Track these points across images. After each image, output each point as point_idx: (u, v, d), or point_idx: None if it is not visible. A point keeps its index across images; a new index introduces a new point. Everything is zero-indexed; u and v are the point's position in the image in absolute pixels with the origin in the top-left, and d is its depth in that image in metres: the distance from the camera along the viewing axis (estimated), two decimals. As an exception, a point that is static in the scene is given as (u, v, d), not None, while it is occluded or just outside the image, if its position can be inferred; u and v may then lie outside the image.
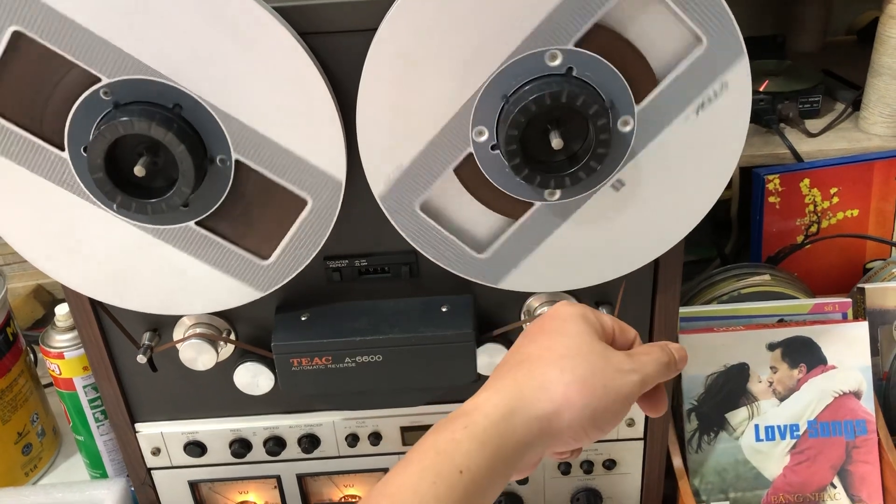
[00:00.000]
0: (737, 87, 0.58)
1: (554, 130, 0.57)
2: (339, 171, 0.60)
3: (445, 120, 0.58)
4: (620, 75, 0.57)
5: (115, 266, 0.64)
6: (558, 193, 0.61)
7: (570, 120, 0.58)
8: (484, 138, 0.59)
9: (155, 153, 0.59)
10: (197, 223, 0.62)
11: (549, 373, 0.50)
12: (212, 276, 0.64)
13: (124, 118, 0.56)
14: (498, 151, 0.59)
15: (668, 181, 0.62)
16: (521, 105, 0.55)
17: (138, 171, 0.57)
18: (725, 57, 0.57)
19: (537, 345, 0.52)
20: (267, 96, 0.57)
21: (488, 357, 0.70)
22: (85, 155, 0.58)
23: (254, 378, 0.70)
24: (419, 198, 0.62)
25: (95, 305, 0.70)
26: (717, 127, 0.59)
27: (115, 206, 0.59)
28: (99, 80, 0.57)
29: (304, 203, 0.62)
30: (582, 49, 0.56)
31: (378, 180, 0.61)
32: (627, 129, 0.59)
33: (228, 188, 0.60)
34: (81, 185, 0.60)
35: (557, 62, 0.56)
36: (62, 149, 0.59)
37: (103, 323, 0.71)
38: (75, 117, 0.58)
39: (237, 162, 0.59)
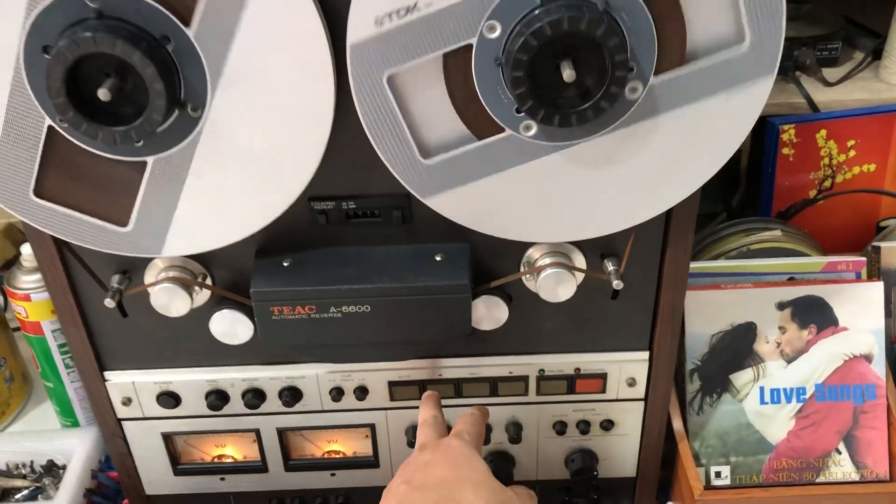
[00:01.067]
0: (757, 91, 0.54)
1: (566, 61, 0.52)
2: (326, 97, 0.54)
3: None
4: (656, 38, 0.52)
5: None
6: (534, 129, 0.55)
7: (582, 60, 0.52)
8: (494, 35, 0.52)
9: (124, 78, 0.53)
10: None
11: None
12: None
13: (104, 33, 0.49)
14: (500, 57, 0.52)
15: (684, 126, 0.56)
16: (553, 18, 0.49)
17: (103, 94, 0.51)
18: (757, 67, 0.53)
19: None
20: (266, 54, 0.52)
21: (485, 309, 0.66)
22: (46, 57, 0.51)
23: (231, 326, 0.65)
24: (392, 67, 0.53)
25: (60, 245, 0.64)
26: (730, 110, 0.55)
27: (58, 118, 0.53)
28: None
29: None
30: None
31: (359, 28, 0.52)
32: (634, 96, 0.54)
33: (190, 138, 0.55)
34: (28, 88, 0.54)
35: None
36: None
37: (69, 264, 0.66)
38: (45, 11, 0.51)
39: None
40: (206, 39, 0.52)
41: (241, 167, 0.57)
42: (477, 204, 0.59)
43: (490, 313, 0.66)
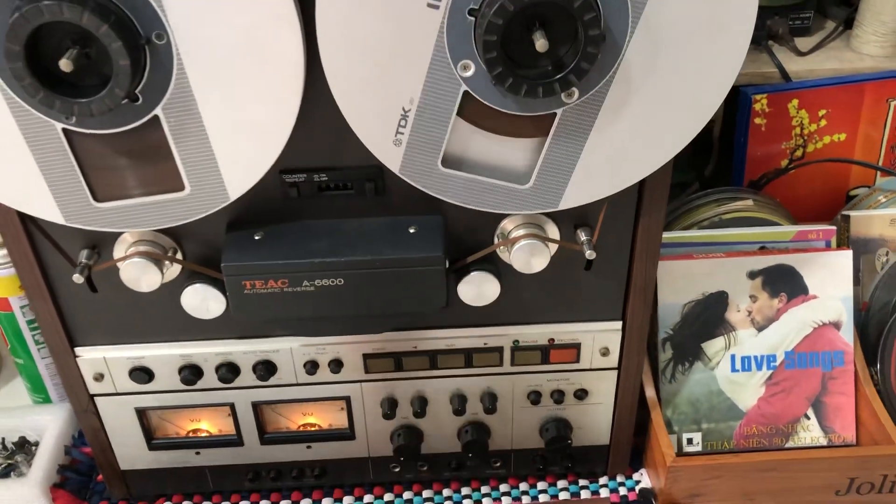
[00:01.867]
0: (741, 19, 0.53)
1: (537, 32, 0.51)
2: (296, 59, 0.53)
3: (425, 67, 0.53)
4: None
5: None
6: (576, 93, 0.55)
7: (553, 17, 0.52)
8: (471, 72, 0.54)
9: (84, 45, 0.51)
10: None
11: None
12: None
13: (30, 6, 0.48)
14: (488, 76, 0.53)
15: (658, 95, 0.56)
16: (487, 23, 0.49)
17: (64, 64, 0.49)
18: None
19: None
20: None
21: (476, 287, 0.66)
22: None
23: (203, 301, 0.65)
24: (437, 156, 0.58)
25: (25, 220, 0.63)
26: (714, 44, 0.54)
27: (59, 115, 0.53)
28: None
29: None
30: None
31: (390, 158, 0.57)
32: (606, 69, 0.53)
33: (175, 66, 0.53)
34: (16, 98, 0.53)
35: None
36: None
37: (35, 239, 0.64)
38: None
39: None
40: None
41: (203, 142, 0.56)
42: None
43: (481, 290, 0.66)
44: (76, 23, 0.48)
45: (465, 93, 0.55)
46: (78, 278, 0.63)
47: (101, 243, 0.65)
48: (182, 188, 0.59)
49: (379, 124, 0.56)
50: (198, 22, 0.51)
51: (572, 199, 0.61)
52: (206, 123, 0.56)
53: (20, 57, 0.49)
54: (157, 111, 0.55)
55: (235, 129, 0.56)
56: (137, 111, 0.55)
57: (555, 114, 0.56)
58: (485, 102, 0.55)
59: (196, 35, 0.52)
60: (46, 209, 0.59)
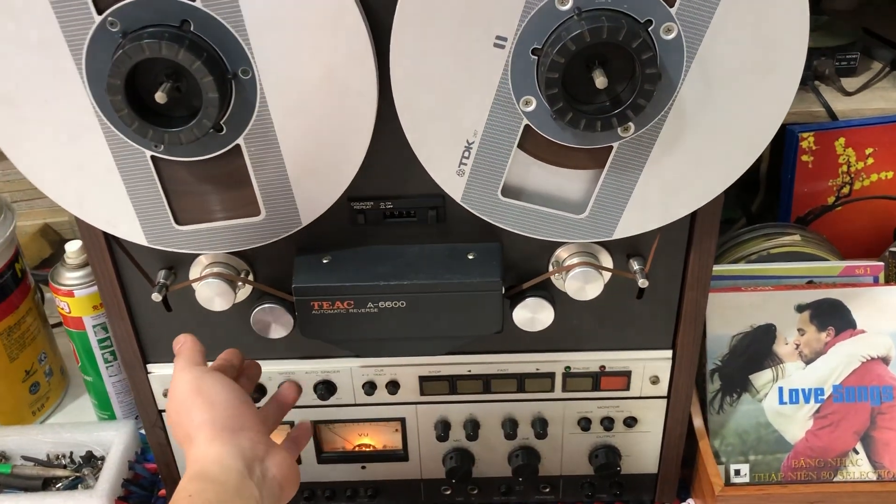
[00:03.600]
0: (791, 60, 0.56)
1: (596, 70, 0.54)
2: (369, 100, 0.57)
3: (490, 102, 0.57)
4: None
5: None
6: (632, 128, 0.58)
7: (612, 55, 0.55)
8: (533, 107, 0.57)
9: (177, 78, 0.56)
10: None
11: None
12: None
13: (132, 44, 0.52)
14: (549, 110, 0.56)
15: (710, 131, 0.59)
16: (550, 61, 0.53)
17: (160, 97, 0.54)
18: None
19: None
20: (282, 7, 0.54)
21: (530, 313, 0.68)
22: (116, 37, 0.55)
23: (274, 321, 0.68)
24: (498, 186, 0.61)
25: (110, 240, 0.67)
26: (765, 82, 0.57)
27: (150, 143, 0.57)
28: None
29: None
30: None
31: (453, 188, 0.61)
32: (672, 35, 0.55)
33: (258, 100, 0.57)
34: (110, 124, 0.58)
35: (568, 5, 0.53)
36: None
37: (117, 259, 0.69)
38: (89, 57, 0.55)
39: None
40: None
41: (279, 171, 0.60)
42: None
43: (535, 315, 0.69)
44: (172, 59, 0.53)
45: (526, 126, 0.58)
46: (156, 297, 0.67)
47: (177, 265, 0.69)
48: (258, 213, 0.63)
49: (444, 155, 0.60)
50: (281, 59, 0.56)
51: (626, 228, 0.64)
52: (284, 153, 0.60)
53: (120, 90, 0.54)
54: (240, 141, 0.59)
55: (310, 159, 0.60)
56: (221, 140, 0.59)
57: (611, 147, 0.59)
58: (545, 136, 0.59)
59: (278, 71, 0.56)
60: (132, 231, 0.64)
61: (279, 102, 0.57)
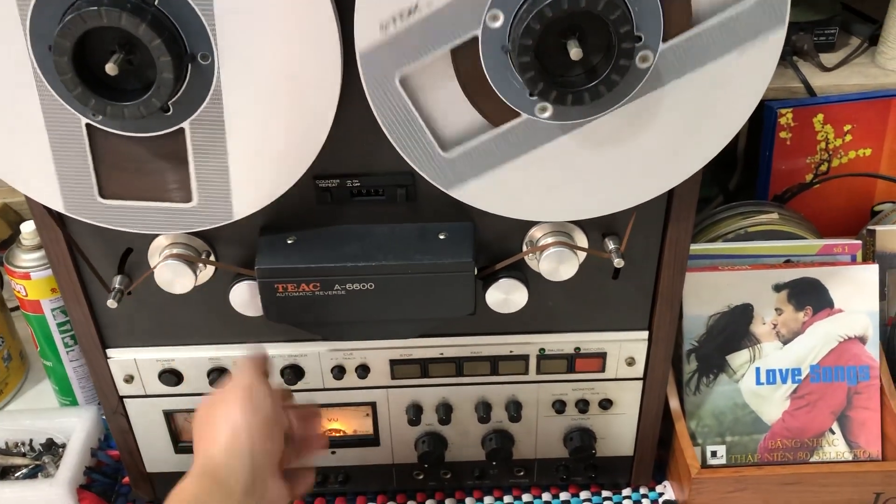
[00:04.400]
0: (770, 44, 0.54)
1: (573, 39, 0.52)
2: (333, 70, 0.54)
3: None
4: (660, 6, 0.52)
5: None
6: (550, 111, 0.56)
7: (589, 36, 0.53)
8: (497, 24, 0.52)
9: (130, 51, 0.53)
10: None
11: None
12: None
13: (91, 7, 0.49)
14: (507, 43, 0.53)
15: (685, 112, 0.57)
16: (526, 24, 0.50)
17: (110, 68, 0.51)
18: (767, 19, 0.53)
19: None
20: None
21: (504, 294, 0.66)
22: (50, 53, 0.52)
23: (252, 298, 0.66)
24: (403, 68, 0.54)
25: (64, 221, 0.64)
26: (743, 57, 0.55)
27: (89, 111, 0.53)
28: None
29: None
30: None
31: (365, 35, 0.53)
32: (645, 65, 0.54)
33: (213, 87, 0.54)
34: (48, 86, 0.54)
35: None
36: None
37: (71, 242, 0.66)
38: (36, 11, 0.51)
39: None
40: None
41: (239, 148, 0.57)
42: (494, 190, 0.60)
43: (509, 297, 0.67)
44: (131, 32, 0.50)
45: (474, 38, 0.53)
46: (112, 304, 0.64)
47: (136, 245, 0.66)
48: (189, 200, 0.60)
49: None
50: (244, 47, 0.53)
51: (470, 195, 0.60)
52: (229, 144, 0.57)
53: (67, 53, 0.51)
54: (185, 125, 0.56)
55: (262, 146, 0.57)
56: (166, 121, 0.56)
57: (519, 114, 0.56)
58: (481, 61, 0.54)
59: (240, 58, 0.53)
60: (50, 197, 0.60)
61: (235, 91, 0.55)
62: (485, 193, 0.60)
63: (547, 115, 0.56)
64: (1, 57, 0.54)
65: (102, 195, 0.60)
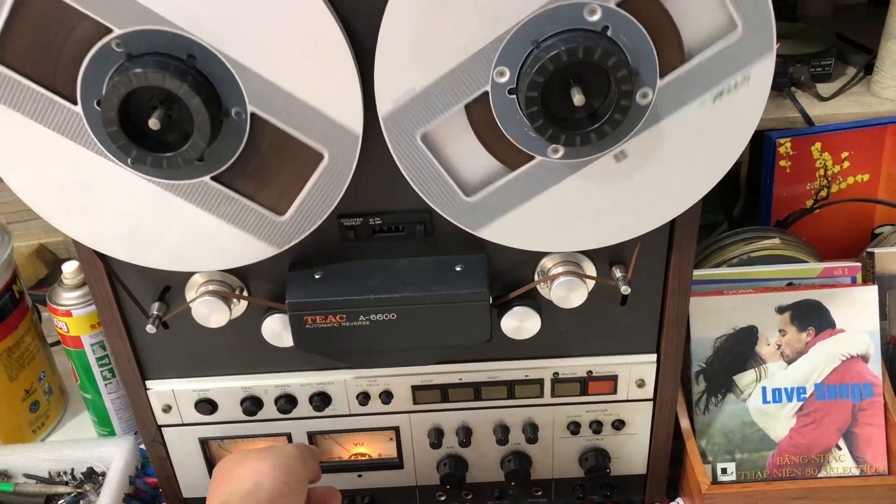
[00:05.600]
0: (761, 71, 0.58)
1: (576, 86, 0.57)
2: (355, 123, 0.59)
3: (469, 53, 0.56)
4: (653, 45, 0.56)
5: (129, 222, 0.63)
6: (562, 151, 0.60)
7: (590, 80, 0.57)
8: (504, 79, 0.57)
9: (169, 106, 0.58)
10: (213, 178, 0.61)
11: None
12: (227, 232, 0.64)
13: (138, 69, 0.55)
14: (514, 96, 0.58)
15: (684, 145, 0.61)
16: (553, 53, 0.54)
17: (153, 123, 0.56)
18: (755, 49, 0.57)
19: None
20: (281, 45, 0.56)
21: (518, 321, 0.70)
22: (98, 109, 0.57)
23: (282, 330, 0.70)
24: (423, 127, 0.60)
25: (107, 261, 0.69)
26: (736, 104, 0.59)
27: (129, 160, 0.58)
28: (111, 31, 0.55)
29: (320, 157, 0.61)
30: (622, 10, 0.55)
31: (386, 100, 0.58)
32: (645, 101, 0.58)
33: (244, 142, 0.60)
34: (95, 139, 0.59)
35: (596, 17, 0.55)
36: (75, 102, 0.58)
37: (113, 279, 0.70)
38: (88, 70, 0.57)
39: (253, 115, 0.59)
40: (233, 50, 0.57)
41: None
42: (512, 227, 0.65)
43: (523, 324, 0.71)
44: (174, 91, 0.55)
45: (484, 94, 0.58)
46: (151, 329, 0.69)
47: (173, 283, 0.71)
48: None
49: (400, 70, 0.58)
50: (271, 97, 0.58)
51: (497, 233, 0.65)
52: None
53: (115, 122, 0.56)
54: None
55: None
56: (198, 170, 0.61)
57: (532, 157, 0.61)
58: (493, 113, 0.59)
59: (267, 110, 0.59)
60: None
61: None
62: (505, 231, 0.65)
63: (559, 155, 0.60)
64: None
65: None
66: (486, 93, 0.58)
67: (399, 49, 0.57)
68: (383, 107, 0.59)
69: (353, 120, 0.59)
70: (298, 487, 0.62)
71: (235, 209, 0.63)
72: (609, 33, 0.55)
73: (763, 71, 0.58)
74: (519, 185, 0.63)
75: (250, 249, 0.65)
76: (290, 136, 0.60)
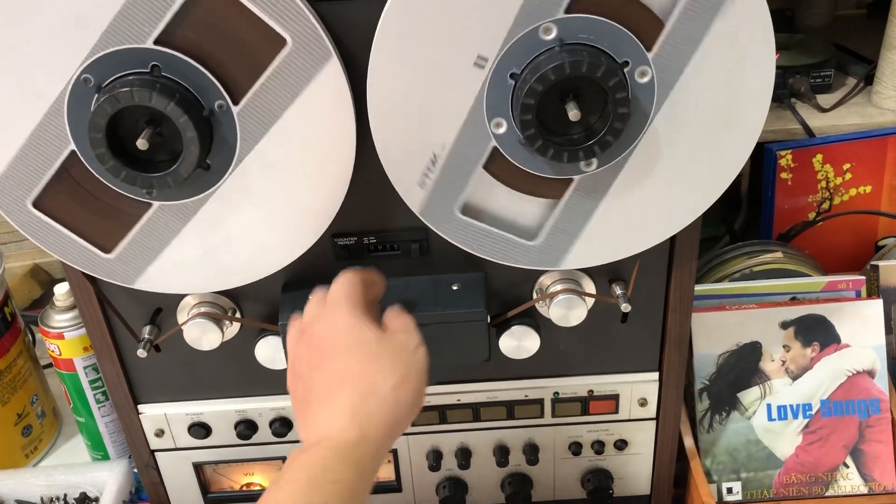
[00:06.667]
0: (760, 55, 0.56)
1: (570, 102, 0.55)
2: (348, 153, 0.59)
3: (462, 120, 0.57)
4: (622, 27, 0.54)
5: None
6: (595, 163, 0.59)
7: (586, 89, 0.56)
8: (503, 129, 0.58)
9: (156, 124, 0.57)
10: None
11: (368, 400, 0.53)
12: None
13: (105, 97, 0.53)
14: (518, 135, 0.57)
15: (685, 155, 0.60)
16: (528, 87, 0.54)
17: (141, 144, 0.55)
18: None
19: (336, 369, 0.55)
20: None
21: (516, 340, 0.69)
22: (90, 91, 0.56)
23: (275, 352, 0.69)
24: (457, 202, 0.61)
25: (97, 284, 0.68)
26: (737, 99, 0.58)
27: (144, 192, 0.58)
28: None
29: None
30: (574, 14, 0.54)
31: (413, 198, 0.61)
32: (646, 79, 0.56)
33: (239, 133, 0.58)
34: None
35: (552, 35, 0.54)
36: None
37: (104, 302, 0.69)
38: (71, 115, 0.56)
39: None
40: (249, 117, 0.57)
41: (263, 211, 0.61)
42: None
43: (521, 343, 0.70)
44: (146, 104, 0.54)
45: (494, 149, 0.59)
46: (142, 353, 0.67)
47: (164, 306, 0.69)
48: (109, 251, 0.63)
49: (408, 163, 0.60)
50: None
51: (576, 259, 0.64)
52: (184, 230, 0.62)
53: (103, 143, 0.55)
54: (156, 204, 0.60)
55: (290, 202, 0.61)
56: (145, 195, 0.60)
57: (571, 179, 0.60)
58: (511, 160, 0.59)
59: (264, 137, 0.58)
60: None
61: (256, 168, 0.59)
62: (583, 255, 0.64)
63: (593, 167, 0.59)
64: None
65: (35, 205, 0.61)
66: (496, 148, 0.59)
67: (398, 141, 0.58)
68: (413, 202, 0.61)
69: (346, 139, 0.58)
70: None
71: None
72: (567, 42, 0.54)
73: (758, 36, 0.55)
74: (571, 210, 0.62)
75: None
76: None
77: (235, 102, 0.56)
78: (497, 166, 0.60)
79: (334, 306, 0.57)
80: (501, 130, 0.58)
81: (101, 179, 0.59)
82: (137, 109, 0.55)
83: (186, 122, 0.54)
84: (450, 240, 0.62)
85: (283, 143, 0.58)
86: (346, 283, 0.58)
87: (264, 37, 0.55)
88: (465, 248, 0.63)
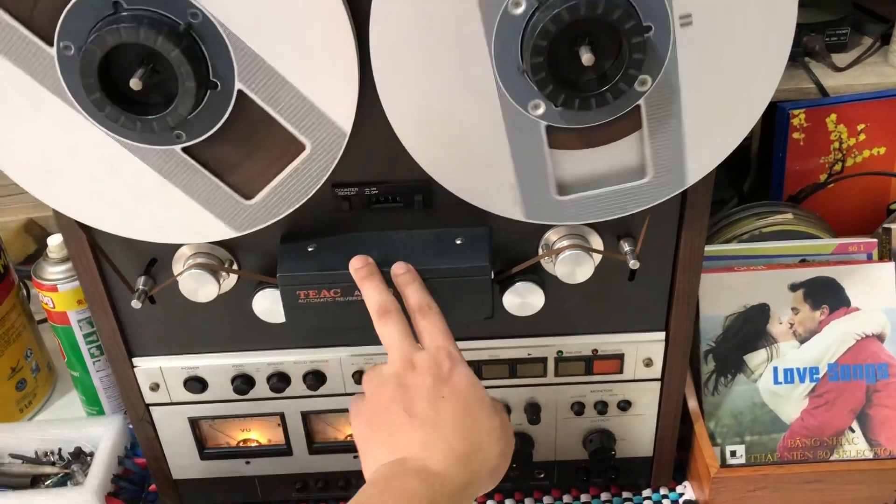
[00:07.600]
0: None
1: (582, 47, 0.53)
2: (346, 122, 0.57)
3: (502, 123, 0.57)
4: None
5: (98, 188, 0.60)
6: (648, 81, 0.55)
7: (598, 41, 0.54)
8: (542, 110, 0.57)
9: (154, 66, 0.54)
10: (183, 149, 0.58)
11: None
12: (190, 207, 0.61)
13: (130, 24, 0.51)
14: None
15: (699, 104, 0.57)
16: (533, 43, 0.52)
17: (134, 84, 0.52)
18: None
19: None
20: (286, 27, 0.53)
21: (520, 297, 0.67)
22: (75, 56, 0.53)
23: (272, 305, 0.67)
24: (550, 191, 0.60)
25: (91, 234, 0.66)
26: (754, 49, 0.55)
27: (104, 115, 0.55)
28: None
29: (301, 148, 0.58)
30: None
31: (514, 211, 0.61)
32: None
33: (225, 118, 0.56)
34: (65, 87, 0.55)
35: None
36: (50, 43, 0.54)
37: (98, 254, 0.67)
38: (72, 11, 0.52)
39: (239, 92, 0.55)
40: (231, 21, 0.53)
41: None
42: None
43: (525, 300, 0.68)
44: (118, 42, 0.51)
45: (547, 127, 0.58)
46: (136, 304, 0.65)
47: (160, 257, 0.68)
48: (303, 147, 0.59)
49: (493, 192, 0.61)
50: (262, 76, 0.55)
51: (698, 170, 0.61)
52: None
53: (94, 74, 0.52)
54: (239, 85, 0.56)
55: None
56: (170, 138, 0.57)
57: (638, 105, 0.57)
58: (568, 128, 0.58)
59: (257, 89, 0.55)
60: (218, 232, 0.63)
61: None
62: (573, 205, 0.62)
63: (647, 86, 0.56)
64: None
65: (246, 197, 0.61)
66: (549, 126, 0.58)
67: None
68: (519, 216, 0.62)
69: (345, 119, 0.56)
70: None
71: (201, 185, 0.60)
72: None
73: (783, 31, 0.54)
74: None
75: (212, 228, 0.62)
76: (273, 121, 0.57)
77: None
78: (560, 139, 0.58)
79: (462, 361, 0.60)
80: (541, 111, 0.57)
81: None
82: (122, 55, 0.53)
83: (164, 42, 0.51)
84: (567, 223, 0.63)
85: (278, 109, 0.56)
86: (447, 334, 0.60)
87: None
88: (588, 222, 0.63)
